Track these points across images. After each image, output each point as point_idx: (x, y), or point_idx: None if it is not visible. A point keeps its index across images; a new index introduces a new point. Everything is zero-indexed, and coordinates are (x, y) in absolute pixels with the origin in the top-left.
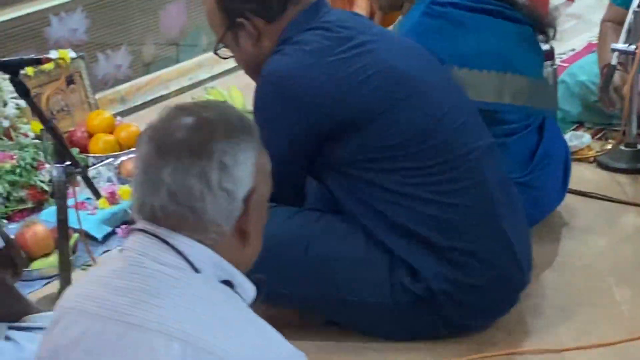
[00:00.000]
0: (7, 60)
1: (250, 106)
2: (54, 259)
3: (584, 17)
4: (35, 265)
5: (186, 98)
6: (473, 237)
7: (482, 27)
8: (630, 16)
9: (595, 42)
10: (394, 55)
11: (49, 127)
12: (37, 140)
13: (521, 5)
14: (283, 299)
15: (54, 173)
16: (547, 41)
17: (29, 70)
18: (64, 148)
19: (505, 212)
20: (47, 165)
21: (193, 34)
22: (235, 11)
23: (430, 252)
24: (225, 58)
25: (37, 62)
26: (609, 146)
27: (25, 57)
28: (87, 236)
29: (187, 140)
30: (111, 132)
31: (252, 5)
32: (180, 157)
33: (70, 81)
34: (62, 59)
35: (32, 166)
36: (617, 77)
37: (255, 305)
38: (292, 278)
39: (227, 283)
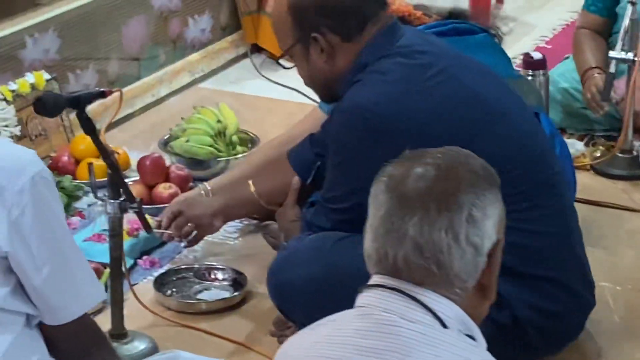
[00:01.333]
0: (77, 96)
1: (243, 127)
2: None
3: (519, 19)
4: None
5: (151, 116)
6: (553, 263)
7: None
8: (626, 24)
9: (542, 45)
10: (475, 80)
11: (111, 163)
12: None
13: (465, 14)
14: None
15: (109, 209)
16: (499, 41)
17: (6, 94)
18: (122, 182)
19: (577, 237)
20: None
21: (152, 49)
22: (311, 25)
23: (513, 279)
24: (287, 68)
25: (102, 95)
26: (598, 152)
27: (92, 91)
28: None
29: (433, 191)
30: (98, 157)
31: (330, 22)
32: (427, 209)
33: None
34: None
35: None
36: (599, 81)
37: None
38: None
39: (470, 338)
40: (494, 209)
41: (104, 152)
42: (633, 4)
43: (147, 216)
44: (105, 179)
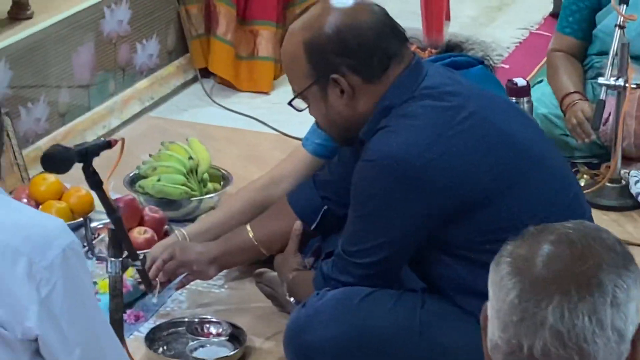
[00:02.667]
0: (85, 148)
1: (214, 159)
2: None
3: (470, 39)
4: None
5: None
6: None
7: None
8: (614, 49)
9: (500, 65)
10: (506, 121)
11: (116, 218)
12: None
13: (461, 46)
14: None
15: (110, 268)
16: (492, 71)
17: None
18: (126, 240)
19: None
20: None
21: (101, 77)
22: (330, 65)
23: None
24: (300, 110)
25: (108, 145)
26: (583, 182)
27: (98, 142)
28: None
29: (571, 272)
30: (59, 199)
31: (351, 62)
32: (566, 293)
33: None
34: None
35: None
36: (585, 106)
37: None
38: None
39: None
40: (636, 289)
41: (110, 207)
42: (621, 27)
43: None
44: (71, 221)
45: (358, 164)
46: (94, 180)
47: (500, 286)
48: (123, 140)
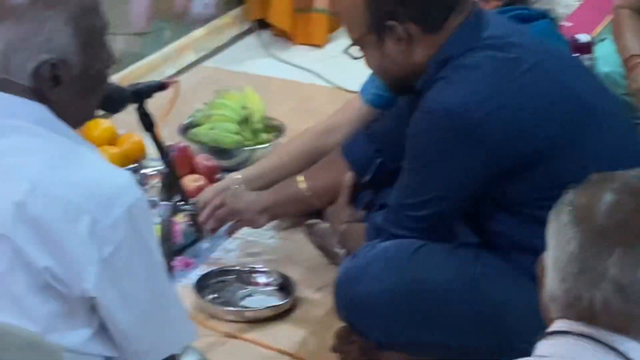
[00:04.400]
0: (138, 89)
1: (268, 110)
2: None
3: None
4: None
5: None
6: None
7: None
8: None
9: (562, 23)
10: (570, 76)
11: (168, 162)
12: None
13: (527, 0)
14: (441, 348)
15: (160, 212)
16: (557, 26)
17: None
18: (177, 184)
19: None
20: None
21: (157, 25)
22: (388, 13)
23: None
24: (356, 58)
25: (162, 87)
26: None
27: (152, 83)
28: None
29: (634, 223)
30: (113, 144)
31: (411, 10)
32: (629, 244)
33: None
34: None
35: None
36: None
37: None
38: (458, 326)
39: None
40: None
41: (162, 150)
42: None
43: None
44: (124, 167)
45: (414, 114)
46: (147, 122)
47: (560, 235)
48: (178, 82)
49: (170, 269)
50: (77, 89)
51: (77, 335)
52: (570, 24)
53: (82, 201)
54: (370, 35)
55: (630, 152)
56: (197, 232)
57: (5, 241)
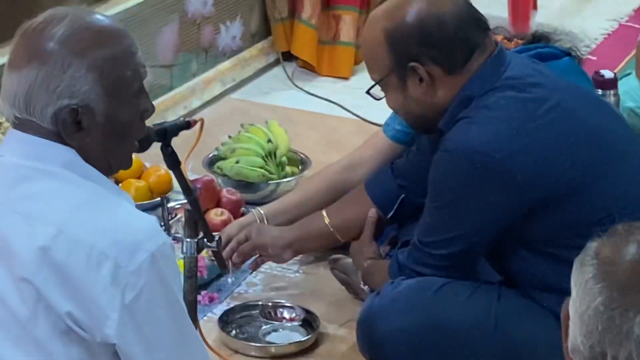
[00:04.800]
0: (164, 128)
1: (294, 143)
2: None
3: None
4: None
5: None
6: None
7: None
8: None
9: (587, 57)
10: (591, 115)
11: (193, 199)
12: None
13: (548, 37)
14: None
15: (185, 249)
16: (580, 63)
17: None
18: (202, 221)
19: None
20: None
21: (184, 57)
22: (410, 54)
23: None
24: (378, 99)
25: (187, 126)
26: None
27: (177, 122)
28: None
29: None
30: (139, 177)
31: (433, 52)
32: None
33: None
34: None
35: None
36: None
37: None
38: None
39: None
40: None
41: (187, 187)
42: None
43: None
44: (146, 201)
45: (437, 154)
46: (172, 160)
47: (585, 289)
48: (202, 120)
49: (194, 305)
50: (103, 136)
51: None
52: (594, 58)
53: (105, 247)
54: (393, 77)
55: None
56: (221, 267)
57: (29, 286)
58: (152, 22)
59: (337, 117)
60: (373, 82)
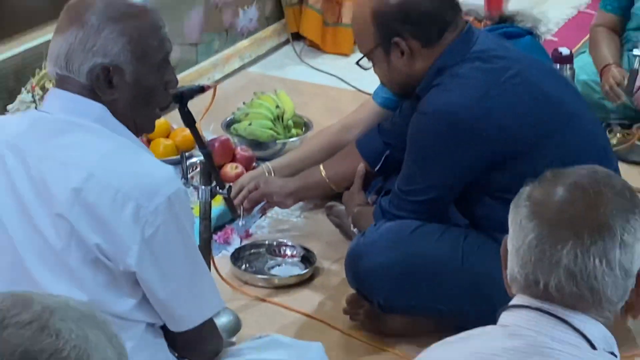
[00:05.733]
0: (181, 92)
1: (300, 109)
2: None
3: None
4: None
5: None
6: None
7: None
8: None
9: (550, 38)
10: (547, 82)
11: (206, 153)
12: None
13: (513, 18)
14: (433, 312)
15: (200, 195)
16: (539, 40)
17: None
18: (214, 171)
19: None
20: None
21: (208, 37)
22: (393, 30)
23: None
24: (366, 69)
25: (202, 90)
26: (615, 140)
27: (193, 87)
28: None
29: (584, 218)
30: (167, 137)
31: (412, 28)
32: (579, 237)
33: None
34: None
35: None
36: (616, 73)
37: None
38: (449, 294)
39: (611, 354)
40: None
41: (200, 142)
42: None
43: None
44: (172, 157)
45: (414, 115)
46: (189, 119)
47: (519, 227)
48: (215, 85)
49: (209, 242)
50: (130, 96)
51: (123, 304)
52: (556, 39)
53: (129, 190)
54: (378, 50)
55: (597, 147)
56: (232, 211)
57: (63, 221)
58: (180, 6)
59: (337, 88)
60: (362, 55)
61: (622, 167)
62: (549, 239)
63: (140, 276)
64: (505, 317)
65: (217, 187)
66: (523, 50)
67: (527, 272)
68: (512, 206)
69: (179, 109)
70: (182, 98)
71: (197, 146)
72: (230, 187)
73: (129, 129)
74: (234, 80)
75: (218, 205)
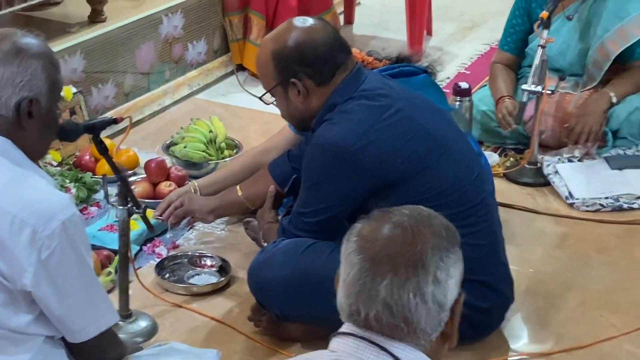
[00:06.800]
0: (93, 123)
1: (229, 133)
2: (101, 279)
3: (444, 49)
4: None
5: (157, 121)
6: (485, 270)
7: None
8: (536, 63)
9: (463, 71)
10: (425, 118)
11: (121, 177)
12: (60, 168)
13: (410, 58)
14: (325, 321)
15: (119, 214)
16: (435, 79)
17: None
18: (130, 193)
19: (502, 245)
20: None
21: (159, 67)
22: (290, 71)
23: None
24: (268, 104)
25: (114, 122)
26: (509, 163)
27: (105, 119)
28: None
29: (402, 256)
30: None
31: (307, 70)
32: (396, 273)
33: (72, 112)
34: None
35: None
36: (509, 105)
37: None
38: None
39: None
40: (456, 268)
41: (116, 170)
42: (542, 47)
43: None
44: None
45: (308, 147)
46: (101, 148)
47: (347, 260)
48: (130, 117)
49: (126, 257)
50: (42, 125)
51: (20, 320)
52: (468, 72)
53: (25, 216)
54: (278, 88)
55: (470, 176)
56: (149, 229)
57: None
58: (132, 40)
59: (272, 113)
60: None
61: (513, 187)
62: (370, 273)
63: (36, 295)
64: (334, 343)
65: (134, 207)
66: (416, 87)
67: (351, 303)
68: (344, 240)
69: (92, 139)
70: (94, 129)
71: (112, 171)
72: (145, 206)
73: (33, 157)
74: (183, 106)
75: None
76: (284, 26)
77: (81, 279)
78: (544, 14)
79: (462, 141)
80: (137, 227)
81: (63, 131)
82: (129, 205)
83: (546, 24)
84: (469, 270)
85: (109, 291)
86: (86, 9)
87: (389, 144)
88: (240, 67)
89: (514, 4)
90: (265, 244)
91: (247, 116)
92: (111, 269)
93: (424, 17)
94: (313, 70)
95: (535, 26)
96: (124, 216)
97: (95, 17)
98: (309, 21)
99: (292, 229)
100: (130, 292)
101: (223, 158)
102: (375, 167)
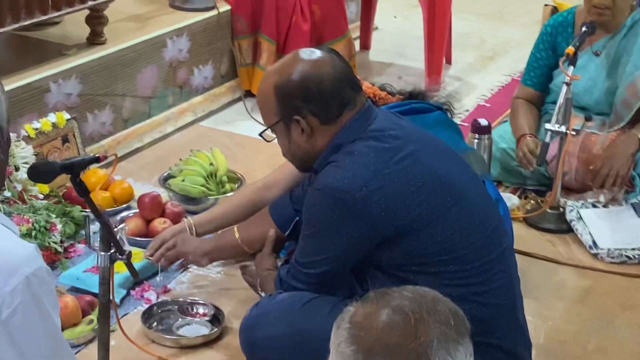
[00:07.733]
0: (71, 162)
1: (233, 164)
2: (81, 328)
3: (463, 78)
4: (65, 335)
5: (157, 150)
6: (500, 332)
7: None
8: (560, 102)
9: (482, 103)
10: (438, 162)
11: (103, 221)
12: (46, 202)
13: (424, 94)
14: None
15: (100, 261)
16: (452, 117)
17: (30, 132)
18: (112, 237)
19: (520, 305)
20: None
21: (162, 92)
22: (294, 107)
23: None
24: (269, 141)
25: (97, 160)
26: (529, 206)
27: (86, 157)
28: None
29: (402, 348)
30: (106, 189)
31: (312, 107)
32: None
33: (65, 140)
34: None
35: (45, 228)
36: (531, 143)
37: None
38: None
39: None
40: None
41: (97, 213)
42: (567, 85)
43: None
44: (112, 208)
45: (309, 190)
46: (81, 189)
47: (338, 350)
48: (115, 155)
49: (107, 307)
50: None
51: None
52: (488, 105)
53: None
54: (280, 125)
55: (484, 226)
56: (133, 276)
57: None
58: (133, 64)
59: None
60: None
61: (533, 233)
62: None
63: None
64: None
65: (117, 254)
66: (429, 125)
67: None
68: (334, 326)
69: (71, 179)
70: (73, 169)
71: (93, 215)
72: (130, 252)
73: None
74: (186, 134)
75: (139, 261)
76: (289, 58)
77: (47, 339)
78: (570, 49)
79: (479, 188)
80: (124, 269)
81: (35, 172)
82: (111, 251)
83: (572, 61)
84: (483, 333)
85: (90, 341)
86: (85, 30)
87: (398, 191)
88: (249, 94)
89: (538, 36)
90: (262, 294)
91: (253, 146)
92: (93, 316)
93: (443, 45)
94: (318, 108)
95: (560, 62)
96: (105, 263)
97: (94, 38)
98: (317, 53)
99: (290, 280)
100: (112, 342)
101: (224, 193)
102: (382, 216)
